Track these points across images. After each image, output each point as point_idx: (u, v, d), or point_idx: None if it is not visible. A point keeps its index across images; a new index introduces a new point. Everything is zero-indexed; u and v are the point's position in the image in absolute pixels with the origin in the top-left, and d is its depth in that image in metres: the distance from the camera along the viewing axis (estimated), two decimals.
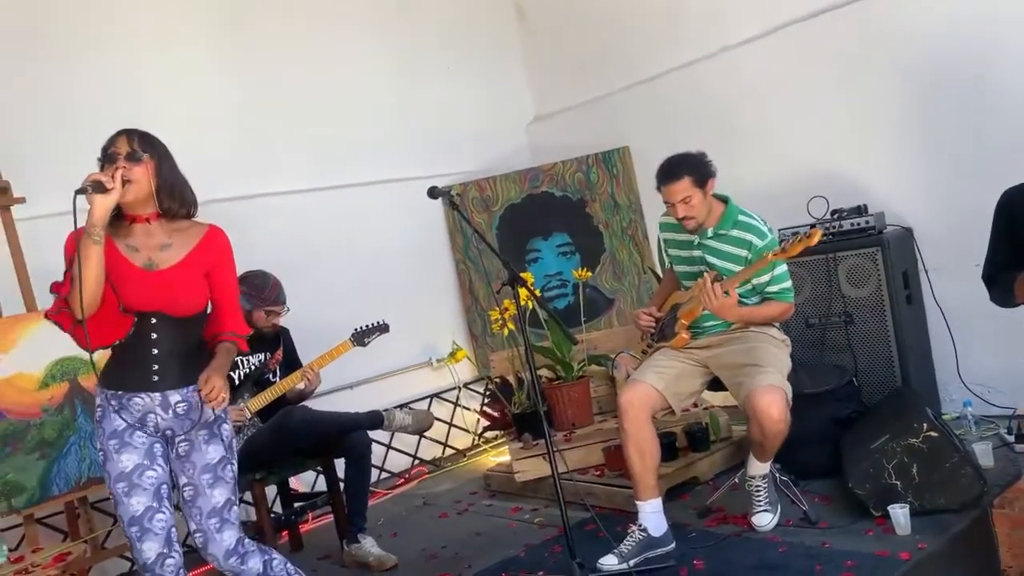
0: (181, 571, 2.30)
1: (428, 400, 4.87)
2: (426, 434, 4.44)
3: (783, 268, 2.94)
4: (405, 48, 5.10)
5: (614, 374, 4.02)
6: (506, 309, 4.02)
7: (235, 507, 2.36)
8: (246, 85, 4.47)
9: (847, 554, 2.60)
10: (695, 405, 3.78)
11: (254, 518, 3.49)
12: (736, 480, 3.14)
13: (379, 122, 4.92)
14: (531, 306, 4.05)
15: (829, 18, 3.92)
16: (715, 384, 3.08)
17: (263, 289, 3.46)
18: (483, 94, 5.37)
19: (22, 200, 3.43)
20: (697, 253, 3.04)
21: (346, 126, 4.77)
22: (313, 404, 3.67)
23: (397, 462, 4.73)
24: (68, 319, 2.19)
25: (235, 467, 2.38)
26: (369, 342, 3.65)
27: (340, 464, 3.51)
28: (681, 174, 2.92)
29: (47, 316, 2.25)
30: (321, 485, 4.05)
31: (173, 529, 2.29)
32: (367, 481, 3.50)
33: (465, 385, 5.08)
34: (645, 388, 2.93)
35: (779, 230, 3.47)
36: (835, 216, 3.75)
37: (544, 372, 4.05)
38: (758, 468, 2.93)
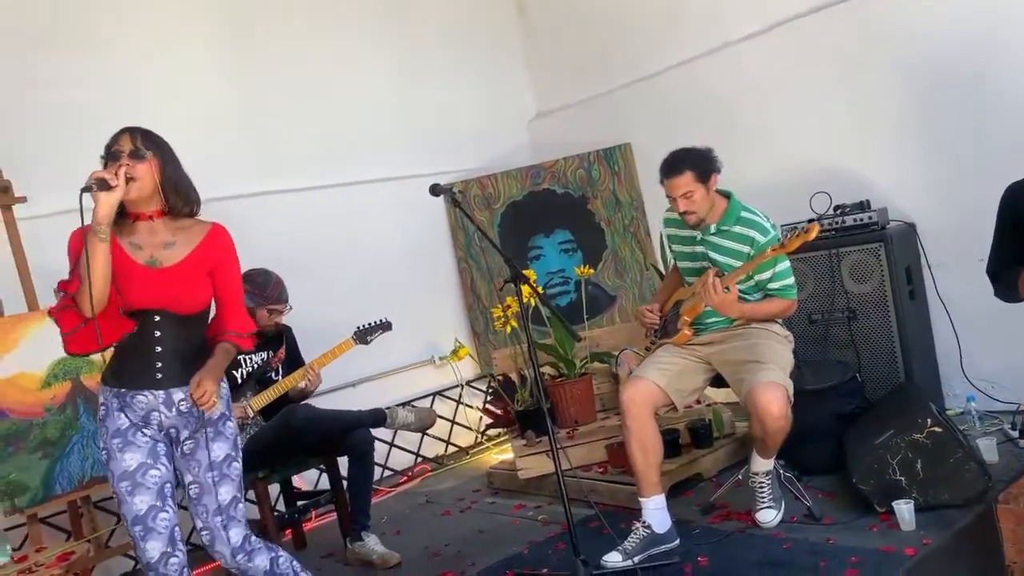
0: (185, 570, 2.30)
1: (431, 398, 4.86)
2: (429, 432, 4.43)
3: (785, 264, 2.93)
4: (406, 46, 5.09)
5: (617, 371, 4.02)
6: (508, 306, 4.02)
7: (241, 504, 2.37)
8: (247, 84, 4.47)
9: (851, 550, 2.60)
10: (698, 402, 3.79)
11: (257, 517, 3.48)
12: (740, 476, 3.14)
13: (380, 120, 4.91)
14: (533, 303, 4.06)
15: (829, 14, 3.91)
16: (718, 380, 3.08)
17: (265, 288, 3.46)
18: (484, 91, 5.36)
19: (24, 199, 3.43)
20: (700, 249, 3.03)
21: (347, 124, 4.77)
22: (316, 402, 3.66)
23: (400, 460, 4.73)
24: (71, 317, 2.19)
25: (240, 464, 2.38)
26: (371, 340, 3.66)
27: (343, 462, 3.51)
28: (683, 168, 2.92)
29: (50, 313, 2.26)
30: (324, 483, 4.05)
31: (177, 528, 2.29)
32: (370, 479, 3.49)
33: (467, 383, 5.07)
34: (647, 385, 2.93)
35: (781, 226, 3.47)
36: (838, 212, 3.74)
37: (547, 369, 4.05)
38: (761, 464, 2.93)
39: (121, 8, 4.11)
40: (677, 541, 2.89)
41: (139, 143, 2.22)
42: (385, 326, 3.70)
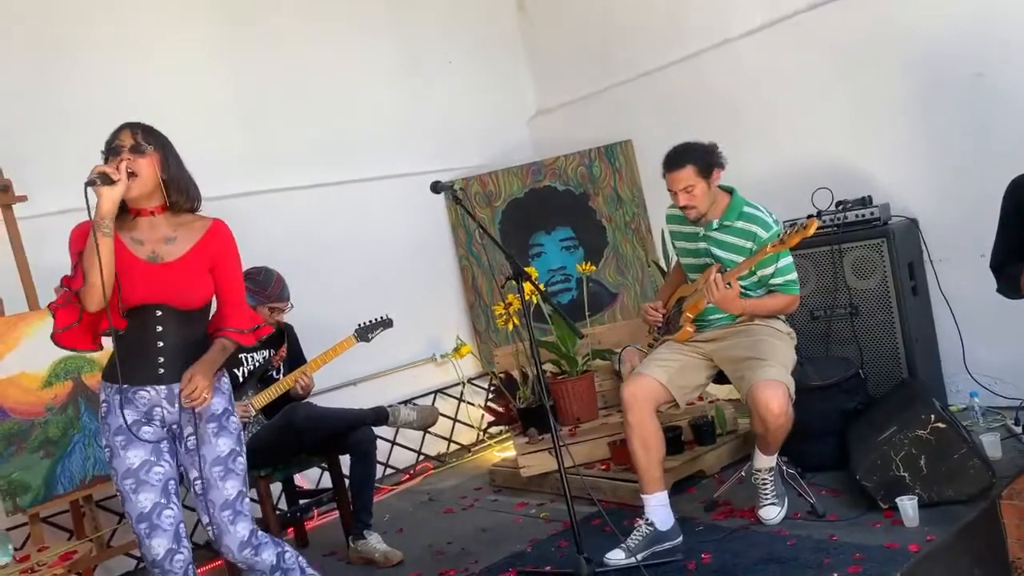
0: (190, 567, 2.30)
1: (432, 396, 4.86)
2: (430, 430, 4.42)
3: (788, 260, 2.92)
4: (406, 43, 5.08)
5: (618, 368, 4.01)
6: (510, 304, 4.01)
7: (247, 499, 2.37)
8: (247, 82, 4.45)
9: (855, 547, 2.59)
10: (701, 399, 3.78)
11: (259, 515, 3.48)
12: (742, 473, 3.13)
13: (381, 118, 4.90)
14: (535, 301, 4.06)
15: (831, 10, 3.90)
16: (720, 377, 3.07)
17: (267, 286, 3.45)
18: (485, 89, 5.35)
19: (24, 198, 3.42)
20: (702, 245, 3.03)
21: (348, 122, 4.76)
22: (317, 400, 3.66)
23: (402, 458, 4.73)
24: (68, 314, 2.19)
25: (244, 459, 2.39)
26: (373, 337, 3.65)
27: (345, 460, 3.50)
28: (684, 162, 2.91)
29: (51, 307, 2.25)
30: (326, 482, 4.05)
31: (182, 525, 2.30)
32: (372, 477, 3.48)
33: (469, 380, 5.07)
34: (648, 381, 2.92)
35: (784, 222, 3.46)
36: (840, 208, 3.73)
37: (548, 367, 4.04)
38: (764, 461, 2.92)
39: (122, 6, 4.09)
40: (680, 538, 2.88)
41: (140, 138, 2.22)
42: (386, 323, 3.69)
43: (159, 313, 2.25)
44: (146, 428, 2.28)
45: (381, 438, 4.06)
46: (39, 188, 3.49)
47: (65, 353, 3.28)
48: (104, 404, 2.29)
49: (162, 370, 2.26)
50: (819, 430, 3.21)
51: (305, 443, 3.38)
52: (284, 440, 3.33)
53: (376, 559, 3.30)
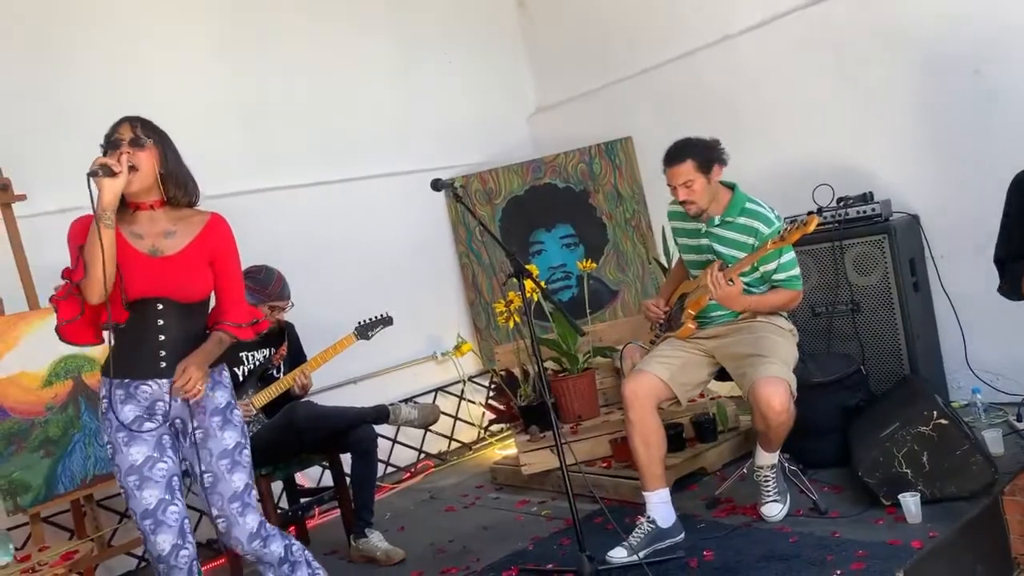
0: (195, 563, 2.31)
1: (433, 394, 4.85)
2: (431, 428, 4.42)
3: (790, 255, 2.91)
4: (406, 41, 5.07)
5: (619, 365, 4.00)
6: (511, 301, 4.00)
7: (254, 490, 2.38)
8: (247, 81, 4.44)
9: (858, 543, 2.59)
10: (702, 396, 3.77)
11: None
12: (744, 470, 3.13)
13: (380, 116, 4.90)
14: (536, 298, 4.05)
15: (831, 5, 3.89)
16: (722, 374, 3.07)
17: (267, 284, 3.44)
18: (484, 86, 5.34)
19: (23, 197, 3.41)
20: (704, 241, 3.02)
21: (348, 120, 4.75)
22: (318, 399, 3.66)
23: (403, 456, 4.72)
24: (71, 306, 2.18)
25: (249, 451, 2.40)
26: (373, 335, 3.65)
27: (346, 459, 3.49)
28: (684, 157, 2.90)
29: (52, 300, 2.25)
30: (327, 480, 4.04)
31: (186, 520, 2.30)
32: (373, 476, 3.48)
33: (470, 378, 5.06)
34: (650, 378, 2.92)
35: (785, 218, 3.45)
36: (841, 204, 3.72)
37: (549, 364, 4.03)
38: (766, 458, 2.91)
39: (122, 4, 4.08)
40: (682, 535, 2.88)
41: (139, 132, 2.23)
42: (386, 321, 3.69)
43: (160, 307, 2.26)
44: (148, 424, 2.27)
45: (382, 436, 4.06)
46: (38, 187, 3.48)
47: (65, 352, 3.30)
48: (104, 400, 2.28)
49: (164, 363, 2.27)
50: (821, 427, 3.20)
51: (306, 442, 3.38)
52: (285, 439, 3.33)
53: (378, 557, 3.30)
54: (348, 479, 3.51)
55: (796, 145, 4.11)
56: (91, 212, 2.15)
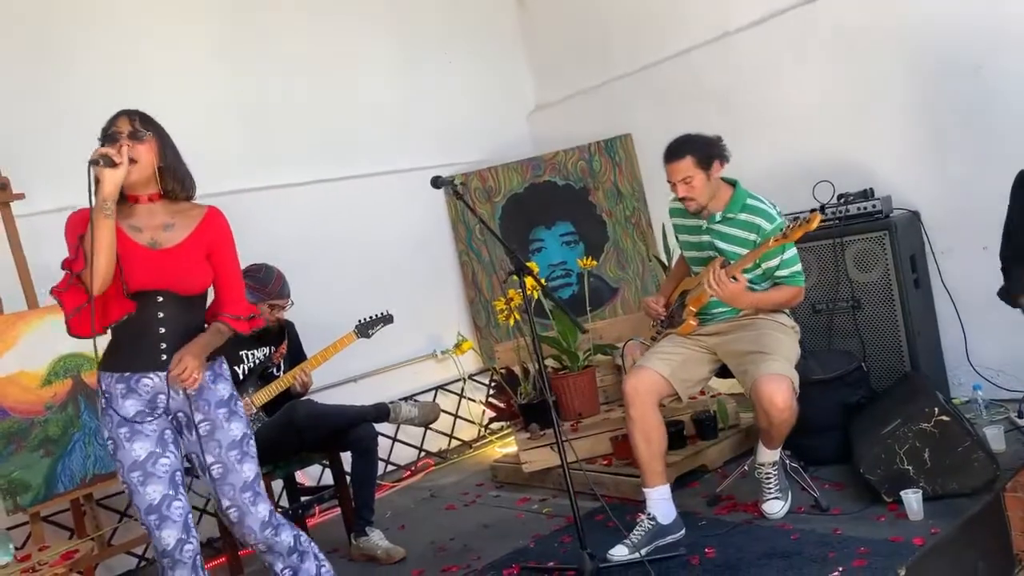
0: (198, 557, 2.32)
1: (433, 392, 4.85)
2: (431, 426, 4.41)
3: (792, 252, 2.90)
4: (405, 38, 5.06)
5: (620, 362, 4.00)
6: (511, 299, 4.00)
7: (261, 480, 2.41)
8: (247, 80, 4.43)
9: (860, 540, 2.58)
10: (703, 393, 3.77)
11: None
12: (745, 467, 3.13)
13: (380, 114, 4.89)
14: (536, 296, 4.05)
15: (831, 2, 3.88)
16: (723, 371, 3.06)
17: (267, 283, 3.43)
18: (484, 84, 5.34)
19: (22, 196, 3.41)
20: (706, 238, 3.01)
21: (347, 118, 4.74)
22: (318, 398, 3.65)
23: (403, 454, 4.72)
24: (74, 296, 2.19)
25: (254, 441, 2.42)
26: (373, 333, 3.64)
27: (346, 457, 3.49)
28: (683, 153, 2.89)
29: (53, 292, 2.25)
30: (327, 479, 4.04)
31: (190, 515, 2.31)
32: (374, 474, 3.48)
33: (470, 376, 5.06)
34: (650, 375, 2.91)
35: (785, 215, 3.45)
36: (841, 201, 3.72)
37: (550, 362, 4.03)
38: (767, 455, 2.91)
39: (121, 2, 4.07)
40: (683, 532, 2.88)
41: (137, 125, 2.24)
42: (386, 319, 3.68)
43: (160, 299, 2.27)
44: (150, 420, 2.27)
45: (382, 435, 4.06)
46: (37, 186, 3.48)
47: (64, 351, 3.29)
48: (105, 395, 2.28)
49: (164, 356, 2.27)
50: (822, 424, 3.20)
51: (306, 440, 3.37)
52: (285, 437, 3.32)
53: (378, 556, 3.29)
54: (348, 477, 3.50)
55: (796, 142, 4.10)
56: (87, 207, 2.15)
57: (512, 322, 4.02)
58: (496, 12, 5.47)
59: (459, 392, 4.99)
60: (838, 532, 2.69)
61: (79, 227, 2.18)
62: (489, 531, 3.44)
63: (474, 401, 5.01)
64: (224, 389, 2.37)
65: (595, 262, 4.84)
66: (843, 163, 3.88)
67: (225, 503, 2.34)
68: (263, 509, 2.37)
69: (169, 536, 2.24)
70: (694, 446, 3.57)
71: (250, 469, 2.36)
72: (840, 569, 2.43)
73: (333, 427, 3.38)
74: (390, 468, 4.63)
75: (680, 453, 3.46)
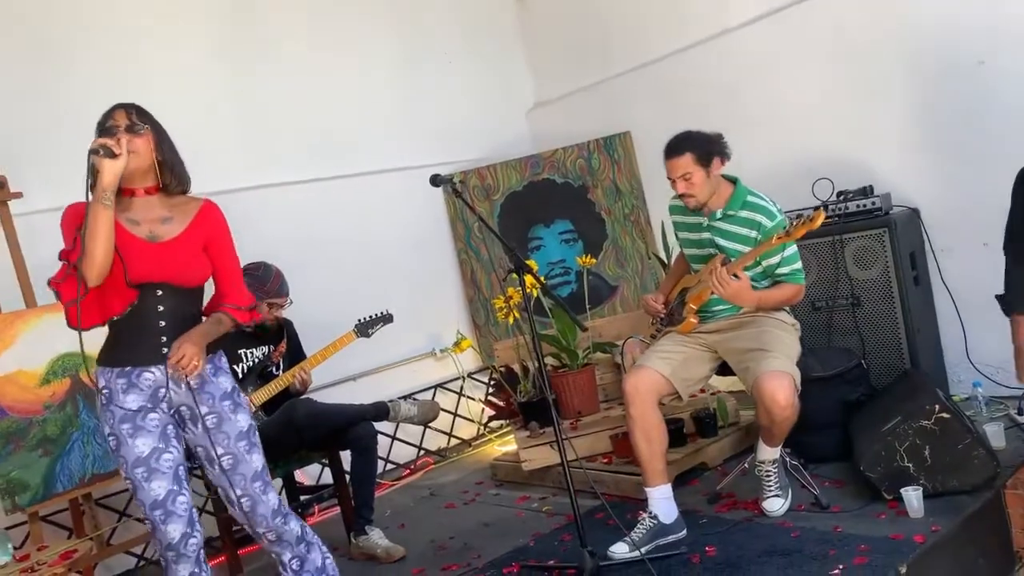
0: (201, 551, 2.33)
1: (432, 390, 4.84)
2: (431, 425, 4.41)
3: (793, 249, 2.90)
4: (404, 36, 5.05)
5: (619, 360, 3.99)
6: (510, 297, 3.99)
7: (267, 469, 2.44)
8: (246, 79, 4.42)
9: (860, 538, 2.58)
10: (703, 391, 3.76)
11: None
12: (745, 465, 3.12)
13: (378, 111, 4.88)
14: (535, 294, 4.04)
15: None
16: (723, 369, 3.06)
17: (265, 281, 3.43)
18: (483, 81, 5.33)
19: (19, 195, 3.40)
20: (706, 235, 3.00)
21: (346, 116, 4.73)
22: (317, 397, 3.65)
23: (402, 453, 4.71)
24: (71, 287, 2.19)
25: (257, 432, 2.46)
26: (373, 333, 3.64)
27: (346, 456, 3.48)
28: (683, 150, 2.89)
29: (50, 284, 2.25)
30: (327, 477, 4.03)
31: (194, 509, 2.32)
32: (373, 473, 3.47)
33: (469, 375, 5.05)
34: (650, 373, 2.91)
35: (786, 213, 3.44)
36: (841, 198, 3.71)
37: (549, 360, 4.02)
38: (768, 453, 2.90)
39: (120, 4, 4.06)
40: (684, 531, 2.87)
41: (135, 118, 2.24)
42: (386, 318, 3.67)
43: (160, 292, 2.28)
44: (152, 415, 2.28)
45: (382, 433, 4.04)
46: (35, 185, 3.47)
47: (63, 350, 3.28)
48: (105, 391, 2.28)
49: (165, 349, 2.27)
50: (822, 421, 3.19)
51: (305, 439, 3.37)
52: (284, 436, 3.31)
53: (378, 555, 3.29)
54: (348, 476, 3.49)
55: (795, 139, 4.10)
56: (83, 201, 2.16)
57: (512, 320, 4.02)
58: (495, 10, 5.46)
59: (458, 391, 4.99)
60: (838, 530, 2.69)
61: (76, 219, 2.18)
62: (489, 529, 3.43)
63: (473, 399, 5.01)
64: (226, 382, 2.39)
65: (594, 260, 4.83)
66: (843, 160, 3.88)
67: (237, 492, 2.36)
68: (273, 497, 2.41)
69: (174, 530, 2.25)
70: (694, 444, 3.57)
71: (258, 459, 2.39)
72: (841, 567, 2.43)
73: (332, 426, 3.37)
74: (390, 467, 4.62)
75: (680, 451, 3.46)
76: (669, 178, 2.96)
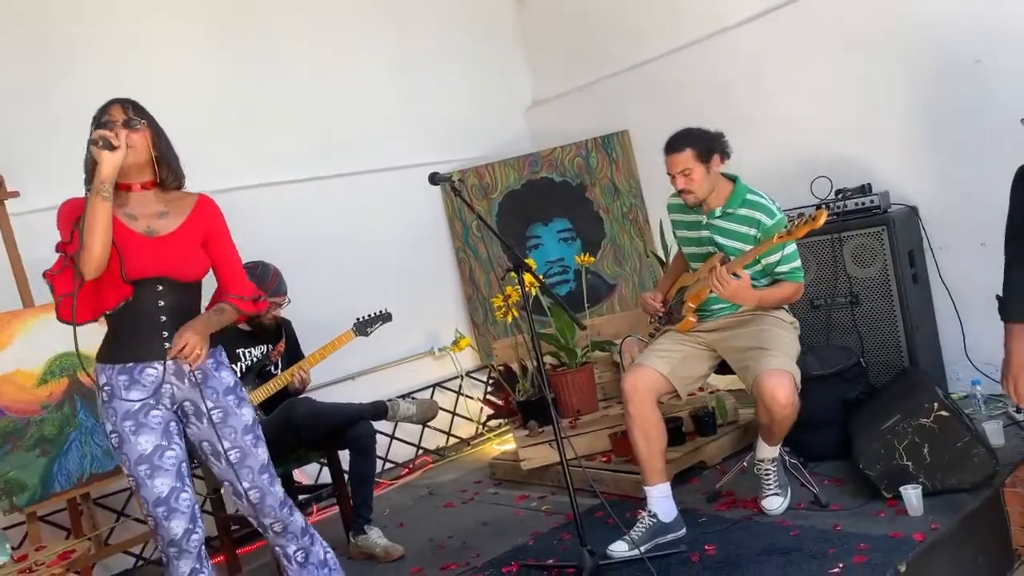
0: (202, 547, 2.33)
1: (431, 389, 4.84)
2: (430, 424, 4.41)
3: (792, 247, 2.90)
4: (402, 35, 5.04)
5: (618, 359, 3.99)
6: (509, 296, 3.99)
7: (271, 461, 2.46)
8: (244, 77, 4.40)
9: (859, 536, 2.58)
10: (701, 389, 3.76)
11: None
12: (744, 464, 3.12)
13: (376, 110, 4.87)
14: (534, 292, 4.04)
15: None
16: (722, 367, 3.05)
17: (263, 280, 3.42)
18: (481, 80, 5.32)
19: (16, 194, 3.39)
20: (705, 234, 3.00)
21: (344, 115, 4.72)
22: (315, 396, 3.64)
23: (401, 452, 4.70)
24: (66, 280, 2.18)
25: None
26: (371, 332, 3.63)
27: (344, 455, 3.48)
28: (683, 146, 2.89)
29: (46, 275, 2.25)
30: (325, 477, 4.03)
31: (196, 505, 2.32)
32: (372, 472, 3.47)
33: (467, 374, 5.05)
34: (649, 372, 2.90)
35: (785, 211, 3.44)
36: (839, 196, 3.71)
37: (548, 359, 4.02)
38: (767, 451, 2.90)
39: (119, 4, 4.05)
40: (683, 530, 2.87)
41: (131, 113, 2.24)
42: (385, 317, 3.67)
43: (160, 287, 2.28)
44: (155, 412, 2.27)
45: (380, 432, 4.03)
46: (32, 184, 3.46)
47: (60, 350, 3.27)
48: (106, 388, 2.27)
49: (167, 344, 2.27)
50: (821, 419, 3.19)
51: (304, 438, 3.36)
52: (283, 435, 3.30)
53: (377, 554, 3.29)
54: (346, 476, 3.49)
55: (794, 137, 4.09)
56: (80, 196, 2.17)
57: (510, 319, 4.01)
58: (493, 8, 5.45)
59: (457, 389, 4.98)
60: (838, 528, 2.69)
61: (73, 213, 2.18)
62: (488, 529, 3.43)
63: (472, 398, 5.00)
64: (228, 376, 2.40)
65: (592, 259, 4.83)
66: (841, 159, 3.87)
67: (245, 485, 2.37)
68: (279, 489, 2.44)
69: (177, 527, 2.26)
70: (693, 442, 3.57)
71: (264, 452, 2.42)
72: (840, 565, 2.43)
73: (331, 425, 3.36)
74: (388, 466, 4.62)
75: (679, 450, 3.46)
76: (669, 174, 2.95)
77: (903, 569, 2.35)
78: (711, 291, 2.86)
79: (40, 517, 3.41)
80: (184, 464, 2.32)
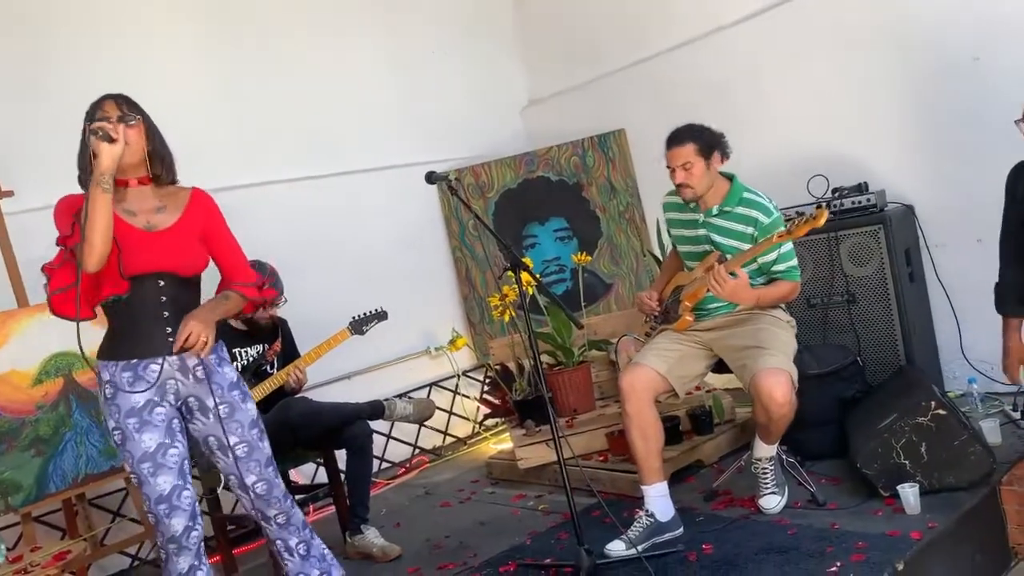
0: (201, 545, 2.34)
1: (427, 389, 4.83)
2: (426, 423, 4.40)
3: (789, 246, 2.89)
4: (398, 34, 5.03)
5: (614, 358, 3.99)
6: (505, 295, 3.98)
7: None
8: (239, 77, 4.40)
9: (857, 535, 2.58)
10: (698, 388, 3.76)
11: None
12: (741, 463, 3.12)
13: (372, 109, 4.86)
14: (531, 291, 4.03)
15: None
16: (719, 366, 3.05)
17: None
18: (477, 79, 5.31)
19: (10, 194, 3.38)
20: (702, 232, 3.00)
21: (340, 114, 4.72)
22: (312, 395, 3.63)
23: (397, 452, 4.70)
24: (65, 274, 2.18)
25: None
26: (367, 330, 3.61)
27: (341, 455, 3.47)
28: (685, 140, 2.90)
29: (44, 269, 2.25)
30: (322, 477, 4.01)
31: (196, 503, 2.33)
32: (369, 472, 3.46)
33: (464, 373, 5.04)
34: (647, 371, 2.90)
35: (780, 210, 3.44)
36: (836, 195, 3.71)
37: (544, 358, 4.01)
38: (764, 450, 2.90)
39: (119, 4, 4.04)
40: (681, 529, 2.87)
41: (125, 109, 2.24)
42: (380, 316, 3.66)
43: (161, 283, 2.28)
44: (159, 409, 2.28)
45: (377, 432, 4.02)
46: (26, 184, 3.44)
47: (56, 350, 3.26)
48: (108, 385, 2.26)
49: (171, 339, 2.27)
50: (818, 418, 3.19)
51: (300, 438, 3.35)
52: (279, 435, 3.28)
53: (374, 554, 3.28)
54: (343, 475, 3.48)
55: (790, 136, 4.10)
56: (77, 193, 2.17)
57: (507, 318, 4.01)
58: (490, 8, 5.45)
59: (454, 389, 4.98)
60: (835, 527, 2.69)
61: (71, 207, 2.18)
62: (485, 528, 3.42)
63: (469, 398, 5.00)
64: (230, 372, 2.41)
65: (589, 257, 4.81)
66: (837, 157, 3.88)
67: (252, 478, 2.40)
68: (281, 482, 2.48)
69: (178, 524, 2.27)
70: (690, 441, 3.56)
71: (268, 446, 2.45)
72: (838, 564, 2.43)
73: (327, 425, 3.36)
74: (385, 465, 4.61)
75: (676, 449, 3.45)
76: (669, 167, 2.95)
77: (901, 567, 2.35)
78: (708, 290, 2.86)
79: (35, 518, 3.39)
80: (186, 462, 2.33)
